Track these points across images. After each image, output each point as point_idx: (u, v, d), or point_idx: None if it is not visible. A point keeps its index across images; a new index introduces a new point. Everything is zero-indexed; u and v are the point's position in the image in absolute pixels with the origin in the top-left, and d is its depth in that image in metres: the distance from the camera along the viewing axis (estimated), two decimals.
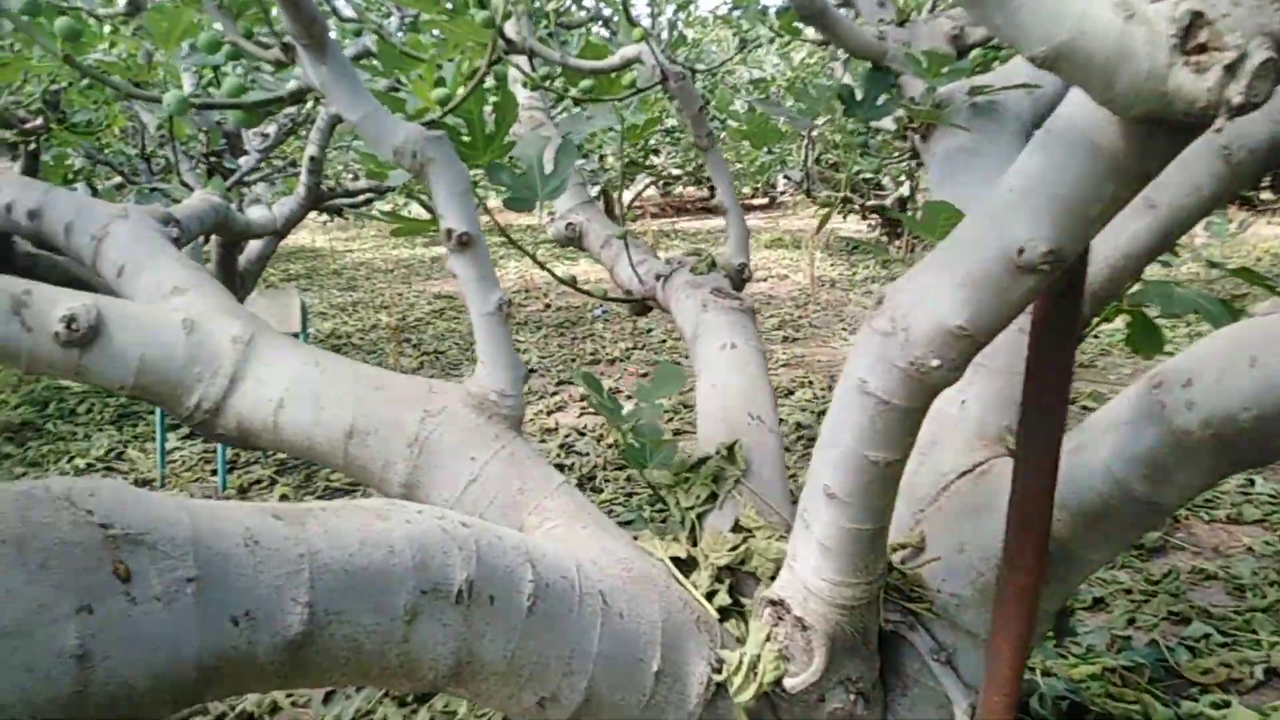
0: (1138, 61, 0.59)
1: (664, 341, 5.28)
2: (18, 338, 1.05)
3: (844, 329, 5.51)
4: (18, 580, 0.54)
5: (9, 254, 3.04)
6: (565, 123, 2.16)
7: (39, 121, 3.34)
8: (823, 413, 3.73)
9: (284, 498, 3.08)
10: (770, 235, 10.53)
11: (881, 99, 1.65)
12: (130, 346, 1.09)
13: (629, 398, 4.11)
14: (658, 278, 1.81)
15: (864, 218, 9.33)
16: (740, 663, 1.01)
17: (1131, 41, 0.59)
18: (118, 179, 4.74)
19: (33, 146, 3.38)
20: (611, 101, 1.89)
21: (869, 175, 7.05)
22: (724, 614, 1.18)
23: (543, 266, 1.70)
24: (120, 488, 0.63)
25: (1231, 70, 0.56)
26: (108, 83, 1.18)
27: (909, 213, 8.06)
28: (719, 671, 1.05)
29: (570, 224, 2.22)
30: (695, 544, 1.28)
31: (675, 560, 1.21)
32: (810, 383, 4.14)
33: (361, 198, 5.74)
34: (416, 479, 1.11)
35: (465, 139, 1.42)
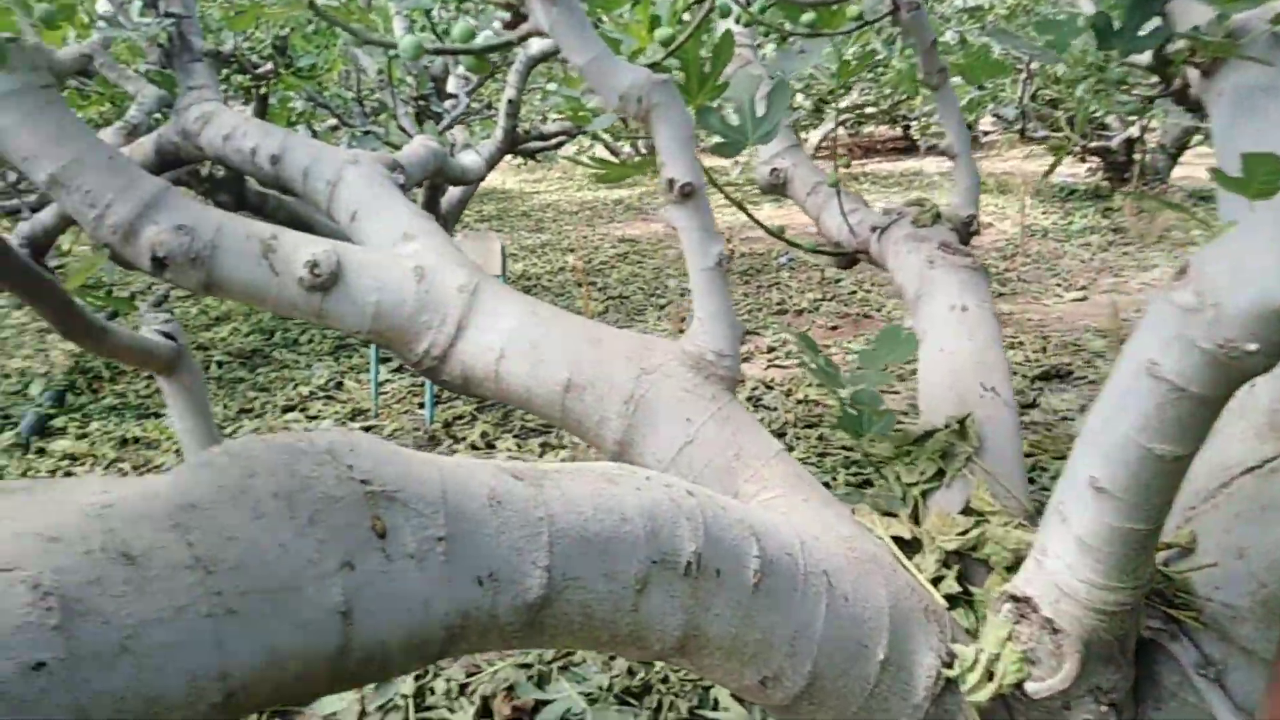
0: None
1: (853, 293, 5.07)
2: (266, 281, 1.10)
3: (1058, 284, 5.08)
4: (288, 534, 0.55)
5: (242, 193, 3.30)
6: (776, 60, 2.05)
7: (269, 66, 3.57)
8: (1039, 378, 3.46)
9: (484, 434, 3.22)
10: None
11: (1146, 28, 1.45)
12: (366, 292, 1.12)
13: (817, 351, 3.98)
14: (873, 229, 1.69)
15: (1082, 160, 8.52)
16: (976, 660, 0.93)
17: None
18: (333, 121, 5.04)
19: (264, 91, 3.63)
20: (831, 36, 1.77)
21: (1095, 113, 6.41)
22: (950, 602, 1.10)
23: (750, 215, 1.63)
24: (377, 443, 0.63)
25: None
26: (345, 27, 1.21)
27: (1142, 157, 7.29)
28: (949, 666, 0.97)
29: (775, 169, 2.13)
30: (918, 524, 1.20)
31: (897, 540, 1.13)
32: (1021, 343, 3.85)
33: (554, 141, 5.84)
34: (631, 437, 1.09)
35: (679, 81, 1.36)
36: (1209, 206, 7.02)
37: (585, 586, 0.71)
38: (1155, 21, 1.44)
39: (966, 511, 1.17)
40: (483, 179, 2.47)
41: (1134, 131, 6.81)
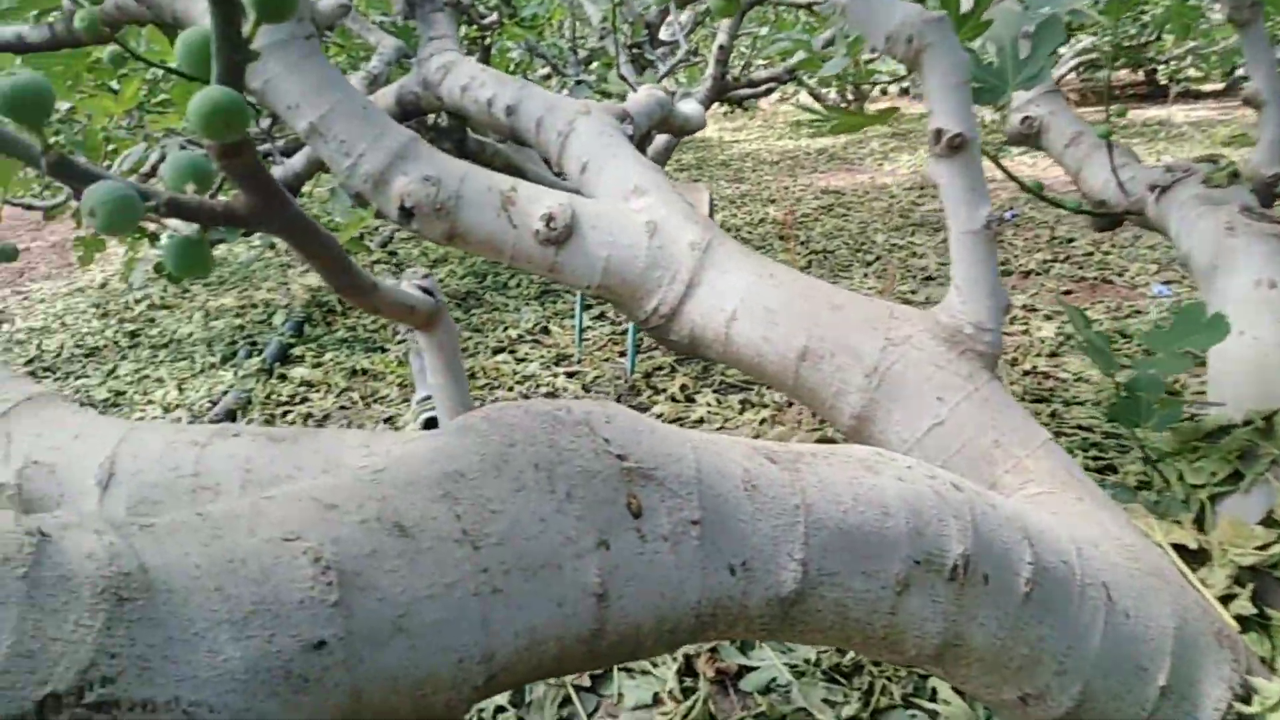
0: None
1: (1089, 255, 4.61)
2: (504, 233, 1.09)
3: None
4: (548, 508, 0.51)
5: (464, 142, 3.42)
6: None
7: (494, 17, 3.65)
8: None
9: (684, 388, 3.21)
10: (1227, 130, 8.70)
11: None
12: (599, 247, 1.09)
13: (1047, 318, 3.66)
14: (1151, 188, 1.48)
15: None
16: None
17: None
18: (546, 70, 5.14)
19: (487, 41, 3.72)
20: None
21: None
22: (1242, 625, 0.95)
23: (1003, 168, 1.46)
24: (633, 417, 0.59)
25: None
26: None
27: None
28: (1246, 701, 0.83)
29: (1028, 118, 1.92)
30: (1203, 532, 1.04)
31: (1179, 550, 0.99)
32: None
33: (763, 87, 5.66)
34: (871, 413, 1.00)
35: None
36: None
37: (841, 584, 0.65)
38: None
39: (1269, 522, 1.00)
40: (703, 127, 2.42)
41: None
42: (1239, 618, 0.94)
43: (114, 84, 2.71)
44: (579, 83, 4.32)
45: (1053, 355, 3.16)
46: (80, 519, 0.34)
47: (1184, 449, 1.07)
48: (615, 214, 1.14)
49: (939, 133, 0.96)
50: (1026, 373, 2.97)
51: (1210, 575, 0.97)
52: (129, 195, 0.43)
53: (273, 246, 4.39)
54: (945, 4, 1.25)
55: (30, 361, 4.41)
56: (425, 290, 1.03)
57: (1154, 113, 10.75)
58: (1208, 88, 12.91)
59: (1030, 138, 1.94)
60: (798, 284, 1.08)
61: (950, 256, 1.02)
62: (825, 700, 1.48)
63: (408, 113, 1.66)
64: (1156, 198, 1.48)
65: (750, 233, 5.79)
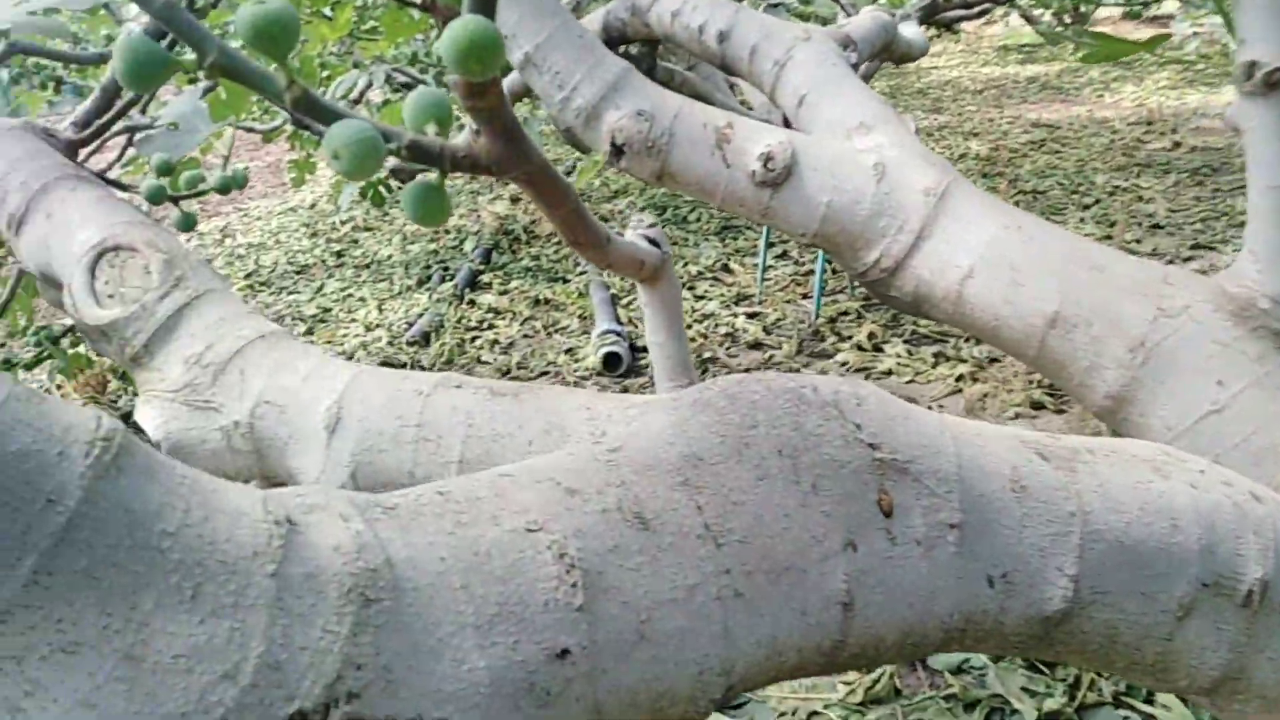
0: None
1: None
2: (717, 173, 1.03)
3: None
4: (793, 502, 0.46)
5: (653, 69, 3.34)
6: None
7: None
8: None
9: (871, 335, 3.06)
10: None
11: None
12: (819, 192, 1.01)
13: None
14: None
15: None
16: None
17: None
18: None
19: None
20: None
21: None
22: None
23: None
24: (886, 400, 0.52)
25: None
26: None
27: None
28: None
29: None
30: None
31: None
32: None
33: (976, 9, 5.20)
34: (1131, 393, 0.88)
35: None
36: None
37: (1115, 604, 0.56)
38: None
39: None
40: (925, 54, 2.22)
41: None
42: None
43: (328, 10, 2.81)
44: (775, 4, 4.11)
45: None
46: (326, 499, 0.32)
47: None
48: (840, 154, 1.04)
49: (1252, 66, 0.80)
50: None
51: None
52: (373, 137, 0.40)
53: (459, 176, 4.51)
54: None
55: (249, 275, 4.80)
56: (651, 241, 0.98)
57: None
58: None
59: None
60: (1052, 239, 0.95)
61: (1248, 215, 0.86)
62: (1025, 689, 1.38)
63: (613, 40, 1.61)
64: None
65: None
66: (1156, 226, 3.93)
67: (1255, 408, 0.83)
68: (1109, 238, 3.73)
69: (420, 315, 3.71)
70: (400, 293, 4.11)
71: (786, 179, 1.01)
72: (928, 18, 4.40)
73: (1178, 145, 5.60)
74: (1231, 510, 0.60)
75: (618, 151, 1.02)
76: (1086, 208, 4.30)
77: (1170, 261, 3.48)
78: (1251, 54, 0.80)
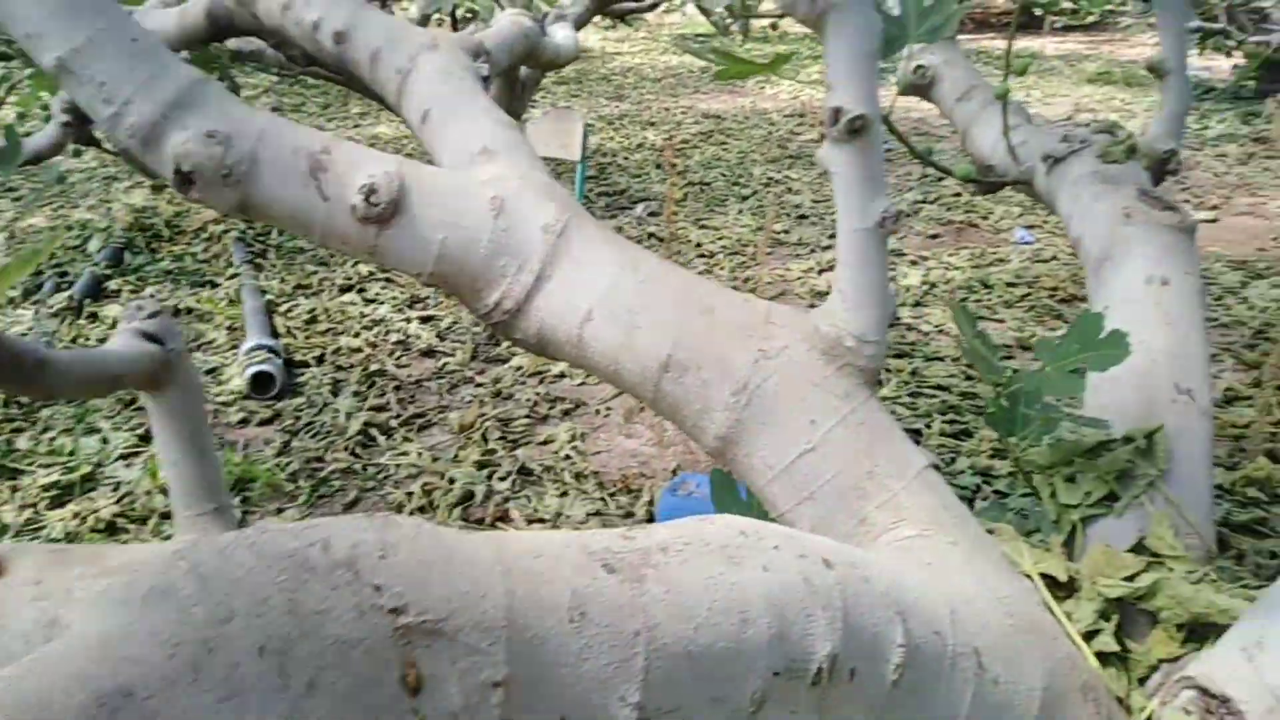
0: None
1: (957, 195, 4.64)
2: (312, 206, 0.90)
3: (1189, 201, 4.58)
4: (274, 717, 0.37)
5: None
6: None
7: None
8: None
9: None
10: (1094, 66, 8.98)
11: None
12: (433, 228, 0.92)
13: (913, 263, 3.66)
14: (1045, 158, 1.40)
15: (1228, 54, 7.53)
16: None
17: None
18: None
19: None
20: None
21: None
22: (1103, 660, 0.91)
23: (897, 133, 1.34)
24: (422, 542, 0.45)
25: None
26: None
27: None
28: None
29: (921, 67, 1.82)
30: (1071, 556, 0.99)
31: (1047, 580, 0.93)
32: None
33: (648, 2, 5.37)
34: (737, 435, 0.89)
35: None
36: None
37: (685, 717, 0.53)
38: None
39: (1138, 549, 0.96)
40: (575, 59, 2.19)
41: None
42: (1100, 654, 0.90)
43: None
44: None
45: (917, 305, 3.16)
46: None
47: (1060, 465, 1.02)
48: (455, 186, 0.96)
49: (838, 112, 0.83)
50: (890, 325, 2.96)
51: (1077, 610, 0.92)
52: None
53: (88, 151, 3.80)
54: None
55: None
56: (150, 337, 0.83)
57: (1025, 43, 10.95)
58: (1076, 22, 13.27)
59: (923, 88, 1.84)
60: (667, 280, 0.94)
61: (836, 255, 0.90)
62: None
63: (222, 29, 1.40)
64: (1048, 169, 1.41)
65: (626, 159, 5.58)
66: (802, 217, 4.31)
67: (842, 444, 0.87)
68: (761, 229, 4.03)
69: (24, 335, 3.12)
70: None
71: (395, 214, 0.91)
72: (599, 9, 4.46)
73: (824, 138, 6.18)
74: (802, 588, 0.61)
75: (185, 180, 0.86)
76: (744, 199, 4.62)
77: (813, 250, 3.82)
78: (838, 101, 0.83)
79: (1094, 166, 1.28)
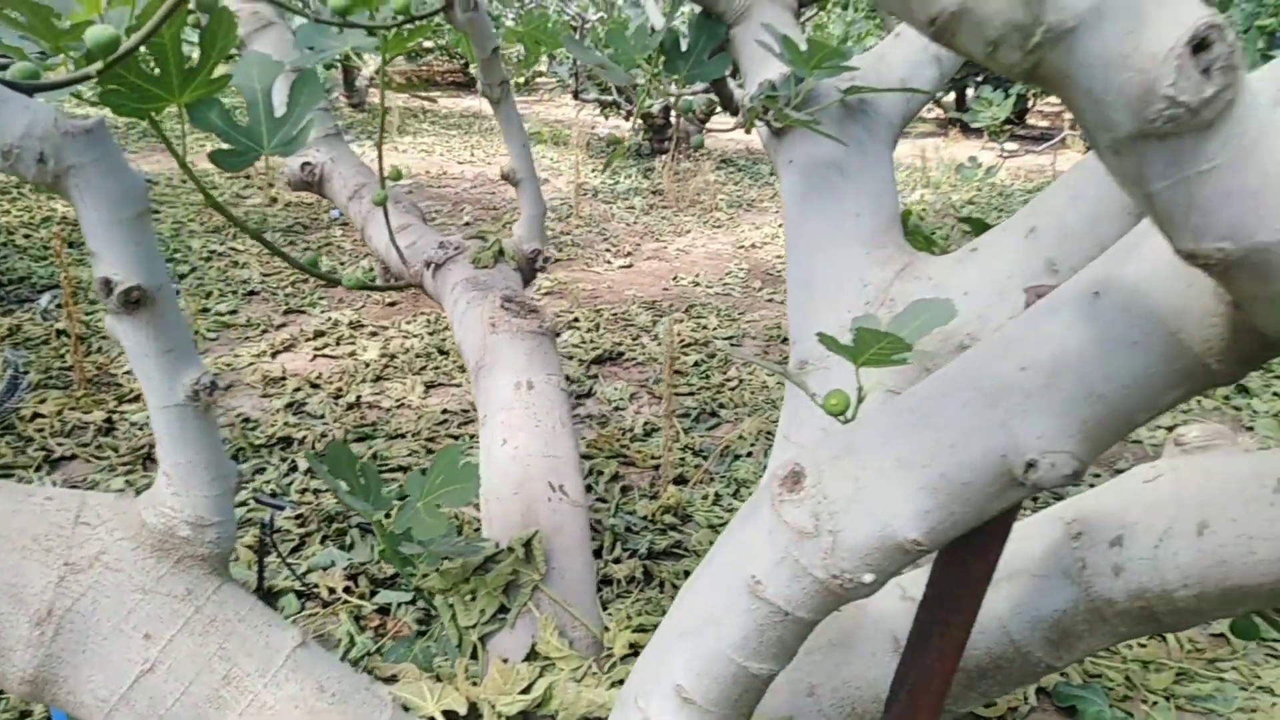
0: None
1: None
2: None
3: (608, 250, 5.26)
4: None
5: None
6: (303, 32, 1.64)
7: None
8: (594, 363, 3.47)
9: None
10: (527, 126, 9.95)
11: (713, 55, 1.37)
12: None
13: (373, 334, 3.62)
14: (427, 265, 1.42)
15: (626, 117, 8.98)
16: None
17: None
18: None
19: None
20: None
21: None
22: None
23: (217, 205, 1.24)
24: None
25: None
26: None
27: (678, 123, 7.86)
28: None
29: (308, 164, 1.75)
30: (478, 681, 0.98)
31: (449, 717, 0.91)
32: (577, 322, 3.86)
33: None
34: (51, 673, 0.71)
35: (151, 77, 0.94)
36: (732, 170, 7.86)
37: None
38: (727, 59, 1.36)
39: (532, 656, 0.99)
40: None
41: (671, 99, 7.34)
42: None
43: None
44: None
45: (377, 380, 3.09)
46: None
47: (457, 585, 1.01)
48: None
49: (107, 283, 0.69)
50: (350, 406, 2.86)
51: None
52: None
53: None
54: (163, 60, 0.97)
55: None
56: None
57: (469, 103, 11.74)
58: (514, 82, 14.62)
59: (313, 185, 1.77)
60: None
61: (155, 437, 0.76)
62: None
63: None
64: (432, 273, 1.43)
65: (29, 237, 4.64)
66: (252, 293, 3.99)
67: (189, 653, 0.74)
68: (205, 310, 3.65)
69: None
70: None
71: None
72: None
73: (274, 202, 5.86)
74: None
75: None
76: (182, 277, 4.13)
77: (264, 330, 3.56)
78: (105, 270, 0.70)
79: (469, 273, 1.33)
